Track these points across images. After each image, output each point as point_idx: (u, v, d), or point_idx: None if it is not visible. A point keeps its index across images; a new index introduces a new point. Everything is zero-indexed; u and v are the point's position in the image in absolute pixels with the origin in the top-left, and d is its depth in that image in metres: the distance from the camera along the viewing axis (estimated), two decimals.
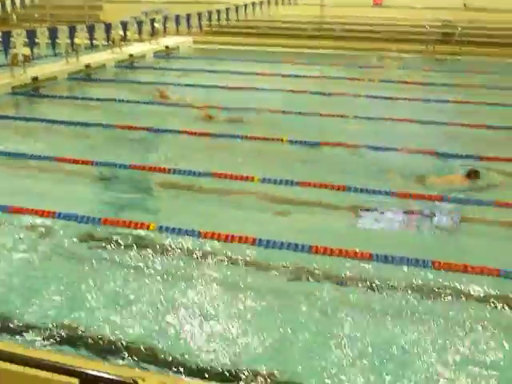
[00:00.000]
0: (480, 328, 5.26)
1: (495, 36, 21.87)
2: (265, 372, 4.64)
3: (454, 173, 8.99)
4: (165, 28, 21.36)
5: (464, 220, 7.61)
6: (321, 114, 12.10)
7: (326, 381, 4.59)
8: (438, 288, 5.86)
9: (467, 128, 11.46)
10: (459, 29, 22.19)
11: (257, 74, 16.48)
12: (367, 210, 7.80)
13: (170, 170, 8.88)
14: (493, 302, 5.63)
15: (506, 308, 5.58)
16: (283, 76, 16.15)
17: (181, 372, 4.64)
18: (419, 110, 13.02)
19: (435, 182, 8.62)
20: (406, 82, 15.57)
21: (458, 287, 5.86)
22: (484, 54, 20.12)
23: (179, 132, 10.98)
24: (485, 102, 13.23)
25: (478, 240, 7.14)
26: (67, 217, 7.18)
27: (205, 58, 19.52)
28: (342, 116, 12.07)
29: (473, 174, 8.76)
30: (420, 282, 5.95)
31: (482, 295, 5.74)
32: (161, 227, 6.95)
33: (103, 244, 6.69)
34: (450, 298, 5.72)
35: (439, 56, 19.90)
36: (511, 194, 8.20)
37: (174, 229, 6.91)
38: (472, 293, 5.79)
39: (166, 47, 20.52)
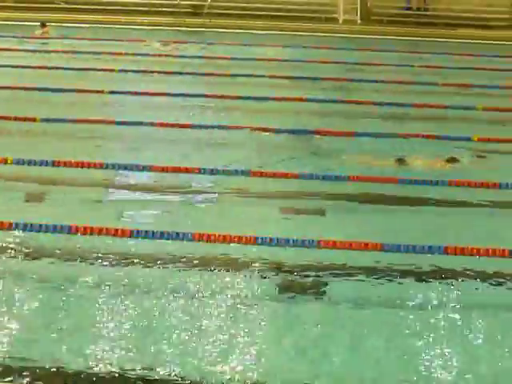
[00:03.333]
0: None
1: (248, 8, 22.69)
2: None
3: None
4: None
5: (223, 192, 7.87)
6: (77, 90, 11.80)
7: None
8: (205, 259, 6.01)
9: (220, 99, 11.82)
10: (209, 1, 22.70)
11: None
12: (122, 186, 7.86)
13: None
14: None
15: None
16: (33, 52, 15.55)
17: None
18: (175, 82, 13.16)
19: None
20: (160, 55, 15.72)
21: (225, 257, 6.06)
22: (237, 26, 20.82)
23: None
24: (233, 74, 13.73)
25: (237, 210, 7.42)
26: None
27: None
28: (98, 92, 11.89)
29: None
30: (187, 254, 6.07)
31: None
32: None
33: None
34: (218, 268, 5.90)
35: None
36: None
37: None
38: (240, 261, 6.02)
39: None
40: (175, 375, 4.38)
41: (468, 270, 5.94)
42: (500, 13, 24.55)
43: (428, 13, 24.85)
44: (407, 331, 5.06)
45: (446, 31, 22.33)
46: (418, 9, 24.94)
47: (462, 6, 24.12)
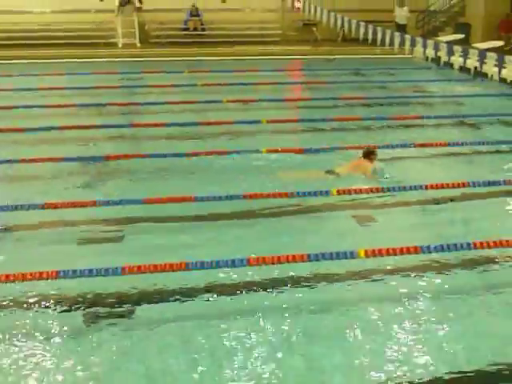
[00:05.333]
0: None
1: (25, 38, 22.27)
2: None
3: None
4: None
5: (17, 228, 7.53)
6: None
7: None
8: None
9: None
10: None
11: None
12: None
13: None
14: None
15: None
16: None
17: None
18: None
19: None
20: None
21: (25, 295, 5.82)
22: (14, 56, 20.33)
23: None
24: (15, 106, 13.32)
25: (34, 245, 7.09)
26: None
27: None
28: None
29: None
30: None
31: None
32: None
33: None
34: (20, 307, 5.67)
35: None
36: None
37: None
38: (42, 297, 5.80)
39: None
40: None
41: (260, 279, 6.14)
42: (273, 29, 25.78)
43: (205, 32, 25.54)
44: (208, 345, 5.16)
45: (225, 49, 23.05)
46: (195, 29, 25.52)
47: (237, 24, 25.03)
